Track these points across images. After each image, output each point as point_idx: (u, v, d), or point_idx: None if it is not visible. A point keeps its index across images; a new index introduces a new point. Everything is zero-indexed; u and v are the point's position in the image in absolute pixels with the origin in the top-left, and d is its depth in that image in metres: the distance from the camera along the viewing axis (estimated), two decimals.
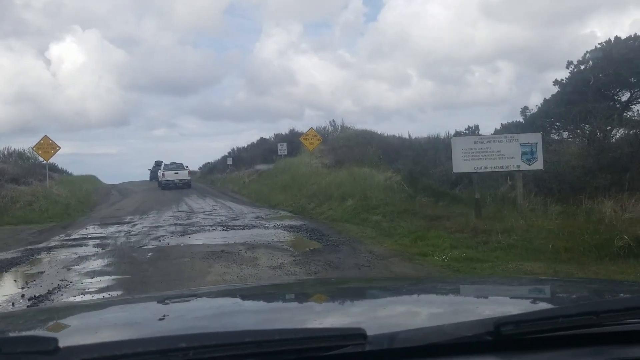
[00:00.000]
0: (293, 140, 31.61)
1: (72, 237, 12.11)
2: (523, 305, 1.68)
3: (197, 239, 11.07)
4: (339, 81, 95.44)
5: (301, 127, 36.98)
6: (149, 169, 45.89)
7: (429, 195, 12.80)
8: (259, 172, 29.70)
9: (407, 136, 23.09)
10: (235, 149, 42.42)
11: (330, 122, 32.71)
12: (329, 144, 30.09)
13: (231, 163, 40.42)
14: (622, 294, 1.70)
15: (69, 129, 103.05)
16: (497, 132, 17.11)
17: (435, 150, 16.95)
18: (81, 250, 10.12)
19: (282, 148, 28.43)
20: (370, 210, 12.23)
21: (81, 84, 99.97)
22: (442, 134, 20.55)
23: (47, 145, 20.12)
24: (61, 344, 0.91)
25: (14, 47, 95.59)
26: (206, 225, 13.56)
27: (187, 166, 34.84)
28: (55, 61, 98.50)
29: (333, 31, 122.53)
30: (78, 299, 6.25)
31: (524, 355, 1.09)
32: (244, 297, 1.92)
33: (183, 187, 31.68)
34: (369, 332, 1.03)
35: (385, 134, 29.82)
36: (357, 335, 1.02)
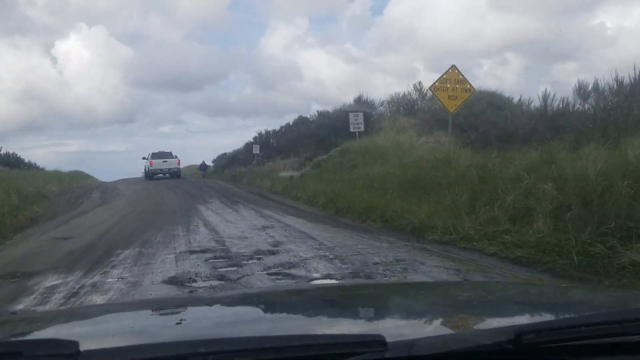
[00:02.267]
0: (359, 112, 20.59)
1: None
2: (544, 312, 1.57)
3: None
4: (345, 75, 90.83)
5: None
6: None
7: None
8: (316, 161, 18.74)
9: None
10: (264, 132, 31.52)
11: (415, 85, 21.65)
12: (427, 113, 19.16)
13: (259, 152, 29.61)
14: None
15: (76, 127, 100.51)
16: None
17: None
18: None
19: (357, 121, 17.40)
20: None
21: (88, 81, 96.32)
22: None
23: None
24: (82, 348, 0.91)
25: (20, 44, 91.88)
26: None
27: (176, 155, 31.36)
28: (61, 59, 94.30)
29: (339, 25, 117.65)
30: None
31: None
32: (261, 302, 1.82)
33: (172, 176, 29.54)
34: (388, 339, 1.01)
35: (512, 98, 18.81)
36: (377, 342, 1.00)
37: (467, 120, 17.07)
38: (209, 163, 40.36)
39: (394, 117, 19.06)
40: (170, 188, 21.73)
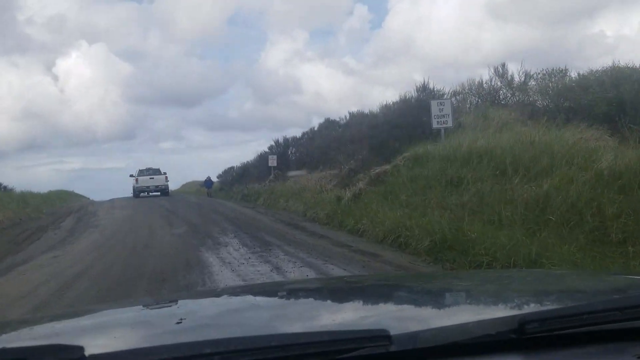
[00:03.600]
0: (424, 105, 14.68)
1: None
2: (546, 301, 1.55)
3: None
4: (345, 88, 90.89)
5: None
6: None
7: None
8: (374, 175, 12.85)
9: None
10: (281, 140, 25.67)
11: (496, 69, 15.81)
12: (532, 106, 13.32)
13: (275, 164, 23.84)
14: None
15: (76, 144, 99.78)
16: None
17: None
18: None
19: (443, 112, 11.54)
20: None
21: (88, 98, 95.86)
22: None
23: None
24: (87, 352, 0.89)
25: (20, 63, 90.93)
26: None
27: (165, 172, 29.64)
28: (62, 76, 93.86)
29: (338, 38, 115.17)
30: None
31: (547, 352, 1.04)
32: (260, 297, 1.80)
33: (160, 194, 27.88)
34: (391, 332, 1.00)
35: None
36: (381, 336, 0.99)
37: (612, 108, 11.27)
38: (214, 179, 34.54)
39: (485, 109, 13.20)
40: (164, 215, 15.81)
